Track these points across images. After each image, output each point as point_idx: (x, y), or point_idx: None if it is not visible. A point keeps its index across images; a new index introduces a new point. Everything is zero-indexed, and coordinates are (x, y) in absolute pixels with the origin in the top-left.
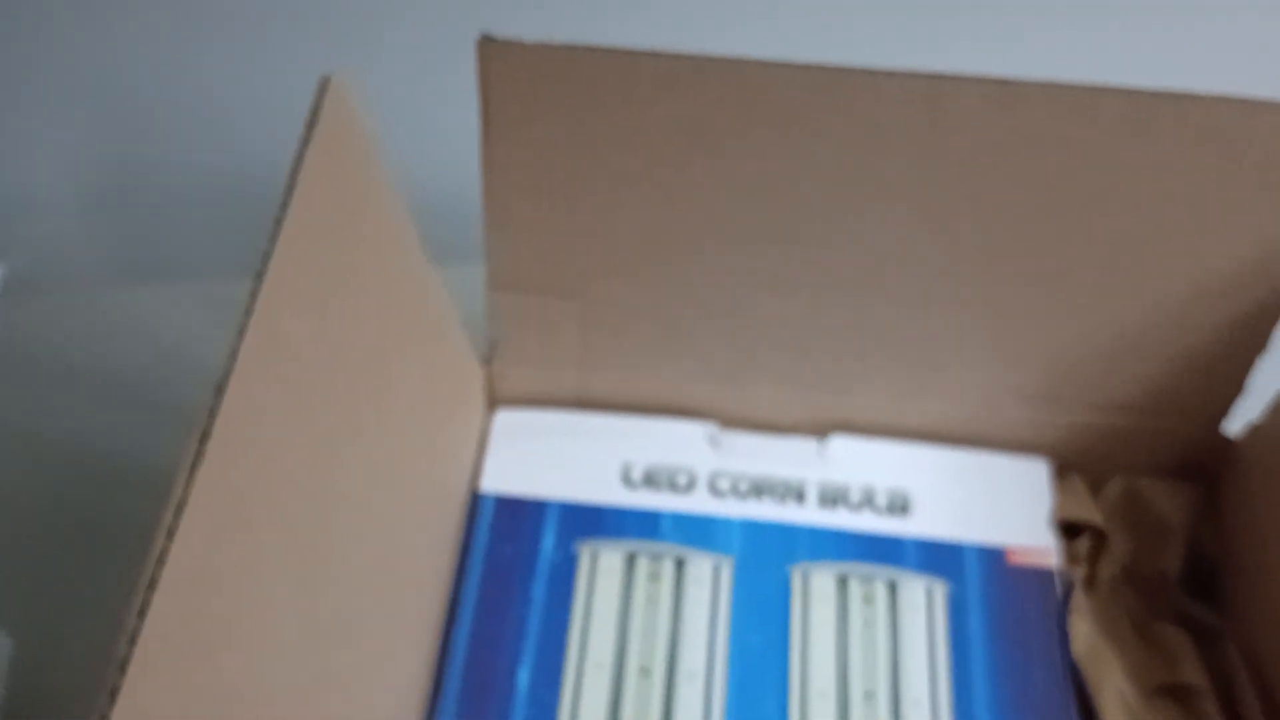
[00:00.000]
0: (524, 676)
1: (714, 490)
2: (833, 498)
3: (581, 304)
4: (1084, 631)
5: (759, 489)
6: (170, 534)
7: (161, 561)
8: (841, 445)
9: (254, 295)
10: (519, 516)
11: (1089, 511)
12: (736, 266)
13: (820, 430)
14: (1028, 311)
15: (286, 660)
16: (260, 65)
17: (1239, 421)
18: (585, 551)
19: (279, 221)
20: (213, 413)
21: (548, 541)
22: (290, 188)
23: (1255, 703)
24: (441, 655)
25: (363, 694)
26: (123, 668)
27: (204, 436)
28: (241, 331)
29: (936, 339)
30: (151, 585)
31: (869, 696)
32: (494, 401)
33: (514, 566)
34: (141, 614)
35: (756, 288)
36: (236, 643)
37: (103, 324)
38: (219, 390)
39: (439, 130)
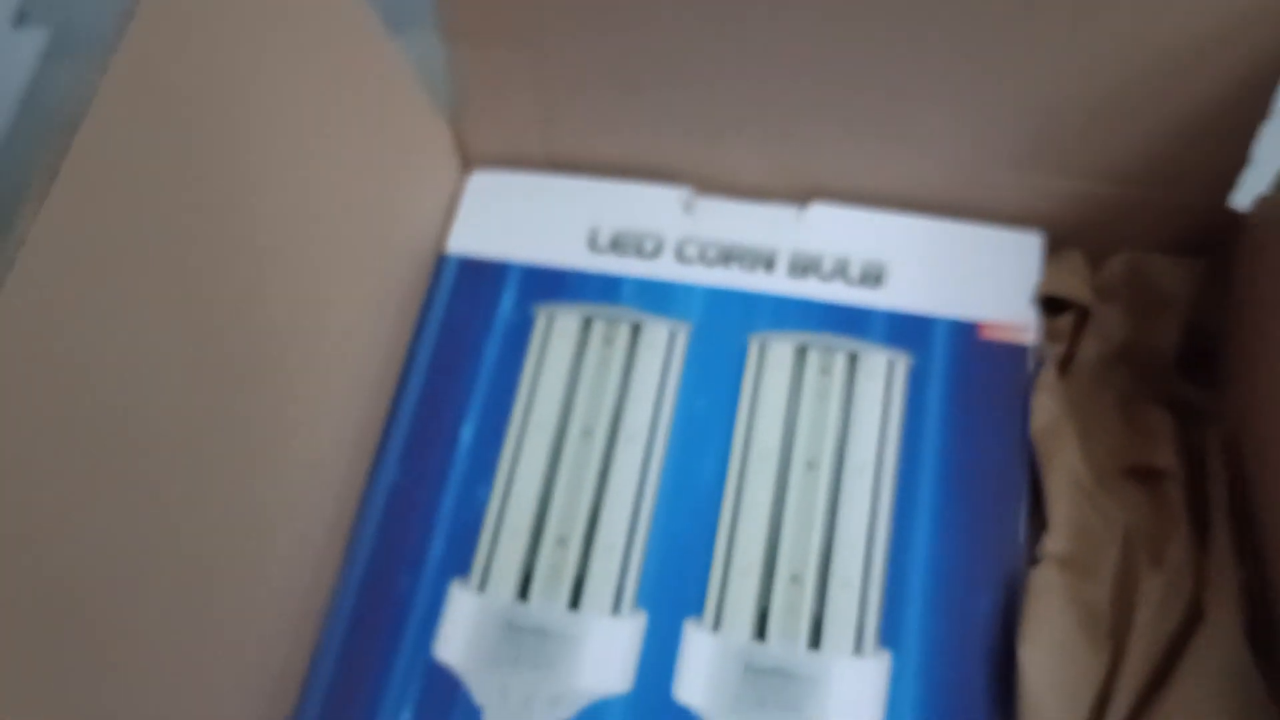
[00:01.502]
0: (468, 433)
1: (681, 257)
2: (804, 267)
3: (536, 55)
4: (1046, 408)
5: (728, 256)
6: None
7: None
8: (821, 213)
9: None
10: (480, 278)
11: (1075, 287)
12: (697, 16)
13: (801, 197)
14: (1004, 59)
15: (192, 395)
16: None
17: (1247, 195)
18: (542, 314)
19: None
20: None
21: (506, 303)
22: None
23: (1224, 490)
24: (390, 410)
25: (306, 444)
26: None
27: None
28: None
29: (910, 91)
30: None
31: (811, 465)
32: (468, 164)
33: (470, 327)
34: None
35: (720, 38)
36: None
37: None
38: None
39: None
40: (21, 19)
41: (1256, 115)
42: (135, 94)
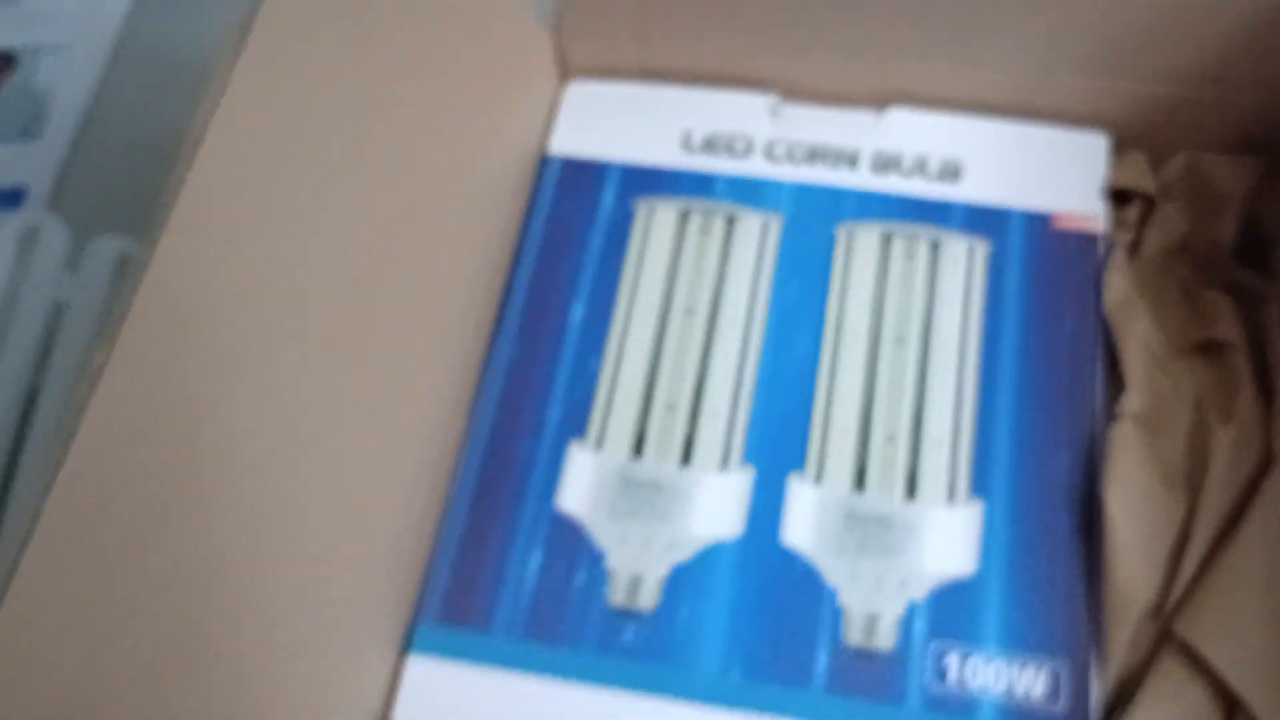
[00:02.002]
0: (577, 312)
1: (770, 156)
2: (885, 164)
3: None
4: (1118, 286)
5: (813, 155)
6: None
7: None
8: (899, 116)
9: None
10: (582, 176)
11: (1143, 180)
12: None
13: (879, 102)
14: None
15: (346, 276)
16: None
17: None
18: (642, 207)
19: None
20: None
21: (608, 198)
22: None
23: None
24: (504, 294)
25: (436, 318)
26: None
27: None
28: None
29: (983, 1)
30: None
31: (900, 341)
32: (566, 74)
33: (575, 220)
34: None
35: None
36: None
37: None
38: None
39: None
40: None
41: None
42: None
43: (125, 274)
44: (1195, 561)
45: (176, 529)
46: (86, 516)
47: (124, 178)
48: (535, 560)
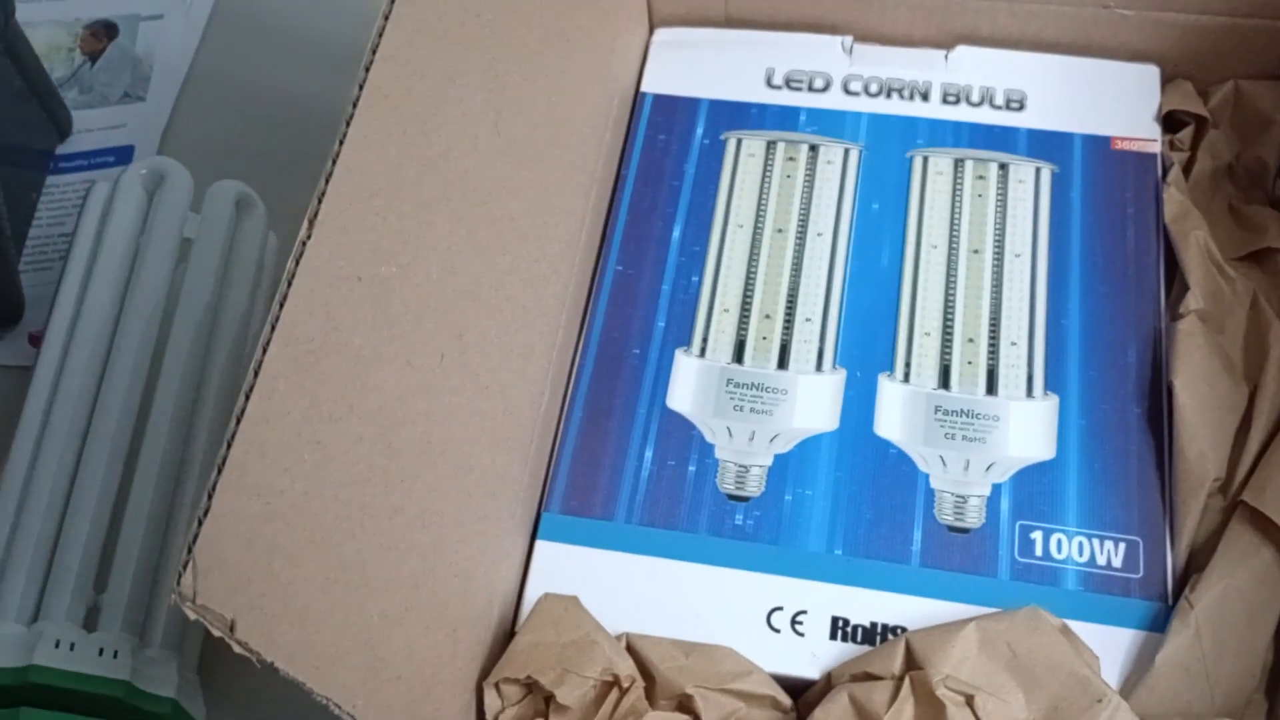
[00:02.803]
0: (677, 232)
1: (847, 91)
2: (954, 96)
3: None
4: (1177, 199)
5: (887, 89)
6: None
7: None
8: (965, 53)
9: None
10: (674, 111)
11: (1193, 104)
12: None
13: (946, 43)
14: None
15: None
16: None
17: None
18: (731, 139)
19: None
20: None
21: (699, 131)
22: None
23: None
24: (607, 215)
25: (557, 226)
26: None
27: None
28: None
29: None
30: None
31: (976, 252)
32: (654, 22)
33: (669, 151)
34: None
35: None
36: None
37: None
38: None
39: None
40: None
41: None
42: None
43: (243, 214)
44: (1258, 443)
45: (356, 400)
46: (292, 374)
47: (223, 135)
48: (650, 454)
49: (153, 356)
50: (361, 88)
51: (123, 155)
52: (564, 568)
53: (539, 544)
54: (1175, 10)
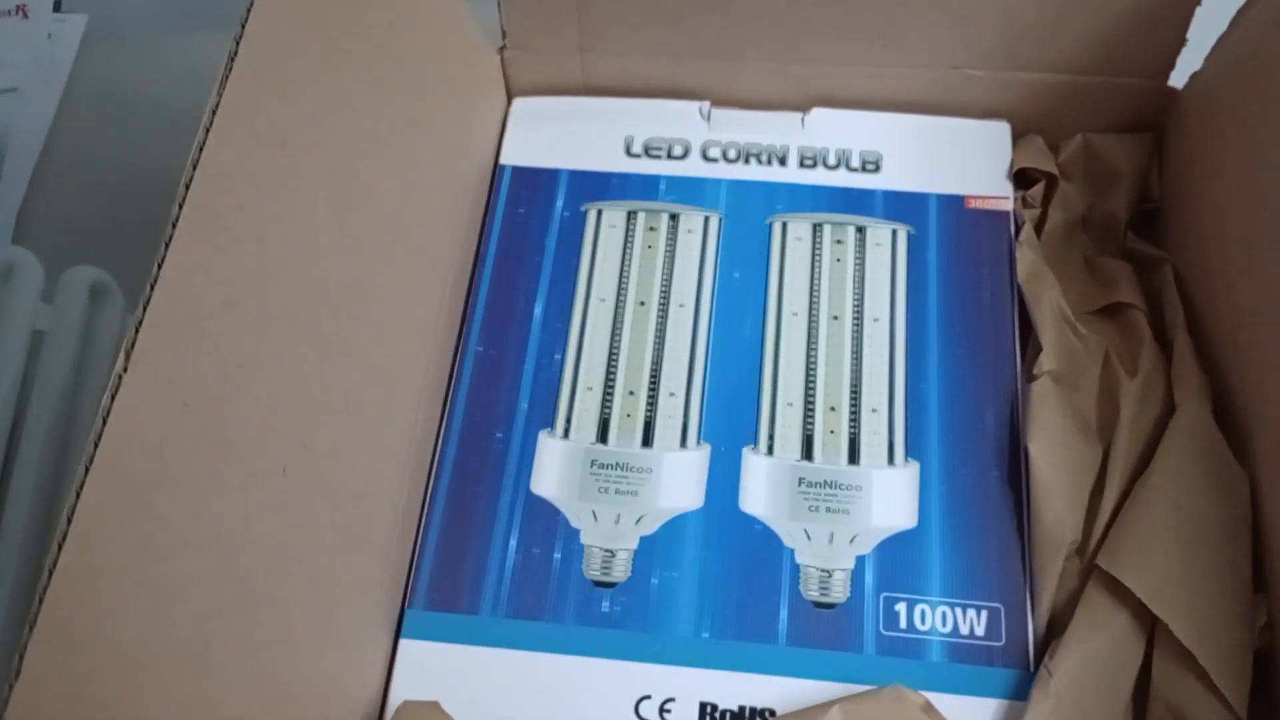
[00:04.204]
0: (539, 309)
1: (705, 157)
2: (812, 160)
3: None
4: (1029, 258)
5: (745, 154)
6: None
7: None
8: (821, 116)
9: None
10: (534, 183)
11: (1043, 160)
12: None
13: (803, 105)
14: None
15: (320, 264)
16: None
17: (1183, 74)
18: (592, 210)
19: None
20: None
21: (559, 203)
22: None
23: (1179, 311)
24: (467, 295)
25: (414, 312)
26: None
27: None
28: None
29: (896, 7)
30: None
31: (836, 318)
32: (511, 91)
33: (529, 225)
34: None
35: None
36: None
37: (168, 68)
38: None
39: None
40: (59, 4)
41: (1192, 1)
42: (264, 50)
43: (98, 302)
44: (1112, 503)
45: (193, 532)
46: (115, 515)
47: (82, 212)
48: (514, 542)
49: (2, 463)
50: (189, 187)
51: None
52: (430, 667)
53: (403, 643)
54: (1021, 69)
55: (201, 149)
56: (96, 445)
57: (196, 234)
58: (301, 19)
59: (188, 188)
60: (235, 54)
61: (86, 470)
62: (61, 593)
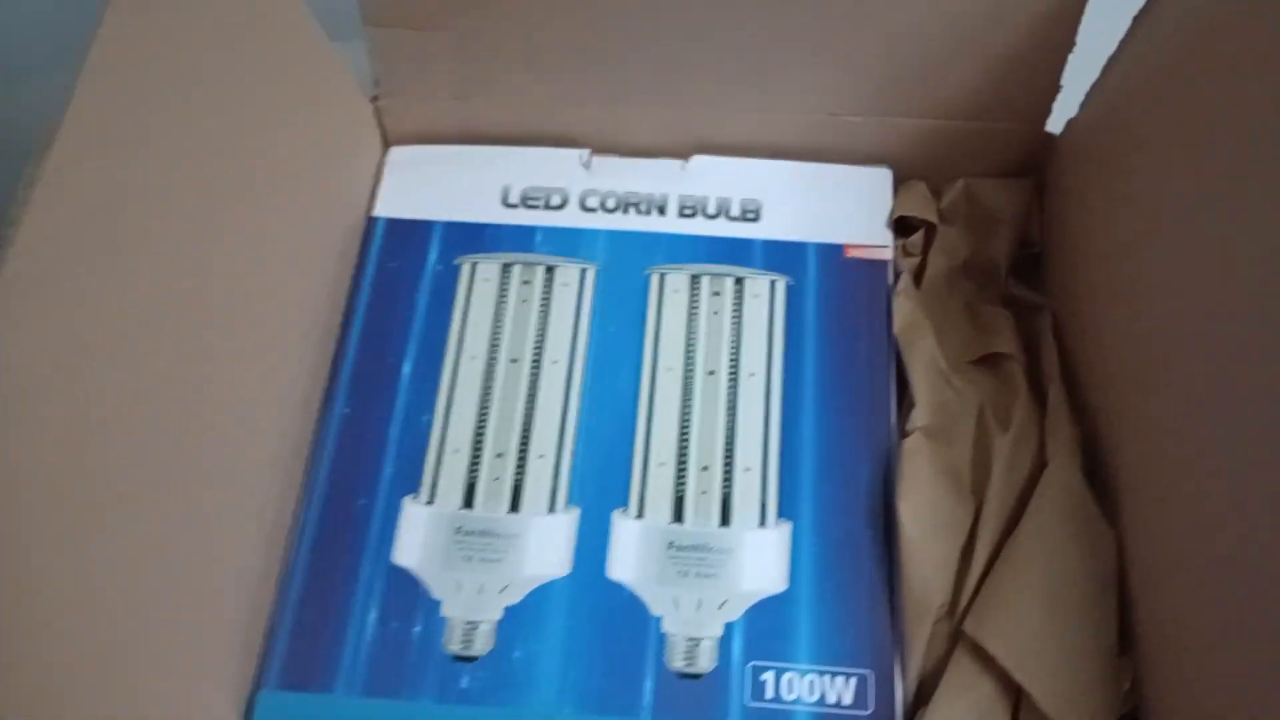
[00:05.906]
0: (408, 368)
1: (584, 207)
2: (691, 209)
3: (453, 35)
4: (906, 310)
5: (625, 204)
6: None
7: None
8: (702, 163)
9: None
10: (407, 235)
11: (924, 207)
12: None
13: (684, 152)
14: (847, 22)
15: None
16: None
17: (1059, 120)
18: (465, 263)
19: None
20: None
21: (432, 256)
22: None
23: (1055, 361)
24: (335, 354)
25: (270, 377)
26: None
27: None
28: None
29: (773, 56)
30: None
31: (711, 373)
32: (388, 140)
33: (401, 279)
34: None
35: (612, 17)
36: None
37: None
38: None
39: None
40: None
41: (1064, 47)
42: (108, 94)
43: None
44: (981, 563)
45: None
46: None
47: None
48: (373, 616)
49: None
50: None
51: None
52: None
53: None
54: (901, 115)
55: (26, 205)
56: None
57: (31, 286)
58: (154, 69)
59: (9, 249)
60: (71, 98)
61: None
62: None
